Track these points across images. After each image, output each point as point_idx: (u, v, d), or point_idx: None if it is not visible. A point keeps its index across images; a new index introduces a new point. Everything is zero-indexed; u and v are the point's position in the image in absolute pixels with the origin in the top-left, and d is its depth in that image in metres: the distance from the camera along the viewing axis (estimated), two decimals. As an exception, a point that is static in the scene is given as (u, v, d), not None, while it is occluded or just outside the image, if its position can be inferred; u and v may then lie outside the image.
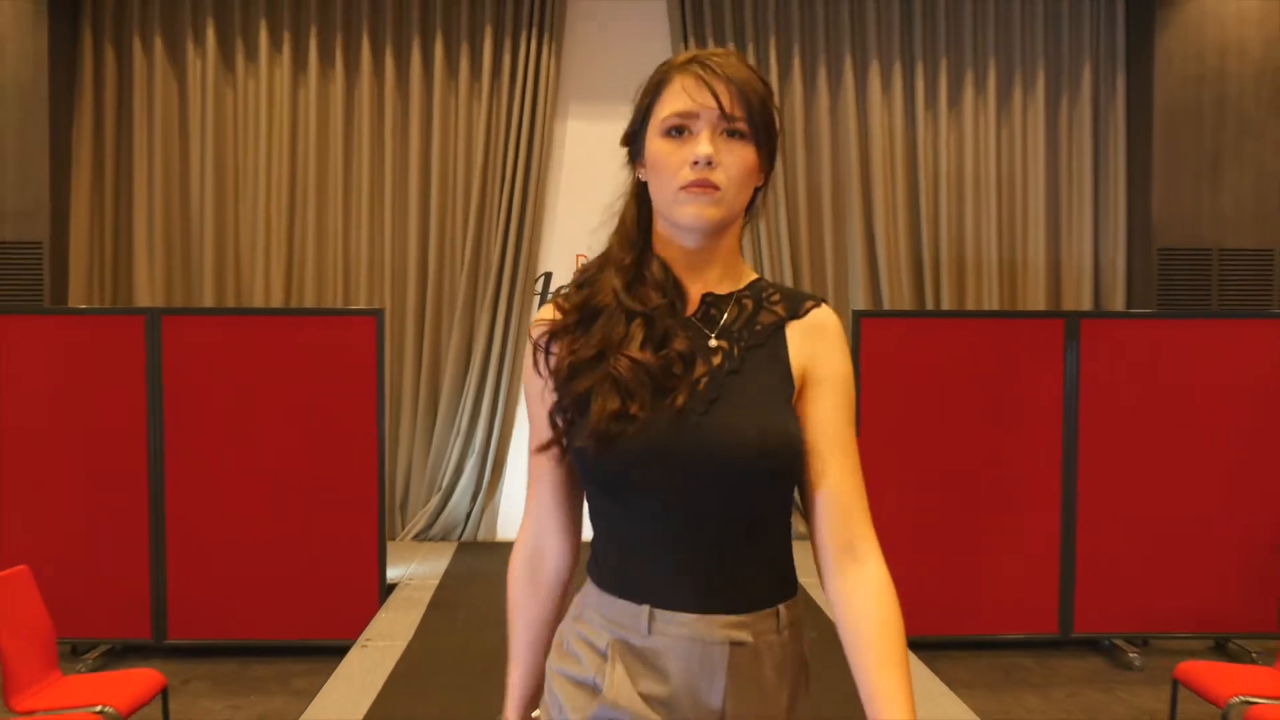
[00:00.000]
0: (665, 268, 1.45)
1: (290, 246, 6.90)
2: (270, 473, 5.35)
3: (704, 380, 1.39)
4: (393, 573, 5.91)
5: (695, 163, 1.37)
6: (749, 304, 1.46)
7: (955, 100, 7.03)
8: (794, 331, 1.45)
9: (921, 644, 4.92)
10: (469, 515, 6.85)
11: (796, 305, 1.47)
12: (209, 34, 6.81)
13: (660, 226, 1.46)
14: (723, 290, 1.47)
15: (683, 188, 1.38)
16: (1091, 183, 7.02)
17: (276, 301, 6.80)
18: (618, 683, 1.39)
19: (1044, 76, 7.00)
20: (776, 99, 1.48)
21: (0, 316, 5.42)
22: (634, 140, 1.47)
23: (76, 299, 6.69)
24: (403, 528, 6.89)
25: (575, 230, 6.80)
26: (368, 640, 4.72)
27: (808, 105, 7.00)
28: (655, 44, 6.85)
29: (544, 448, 1.46)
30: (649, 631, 1.39)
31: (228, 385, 5.34)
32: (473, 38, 6.89)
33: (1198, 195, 6.68)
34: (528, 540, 1.56)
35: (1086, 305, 6.98)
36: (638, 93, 1.45)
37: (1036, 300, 6.95)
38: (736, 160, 1.39)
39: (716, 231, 1.43)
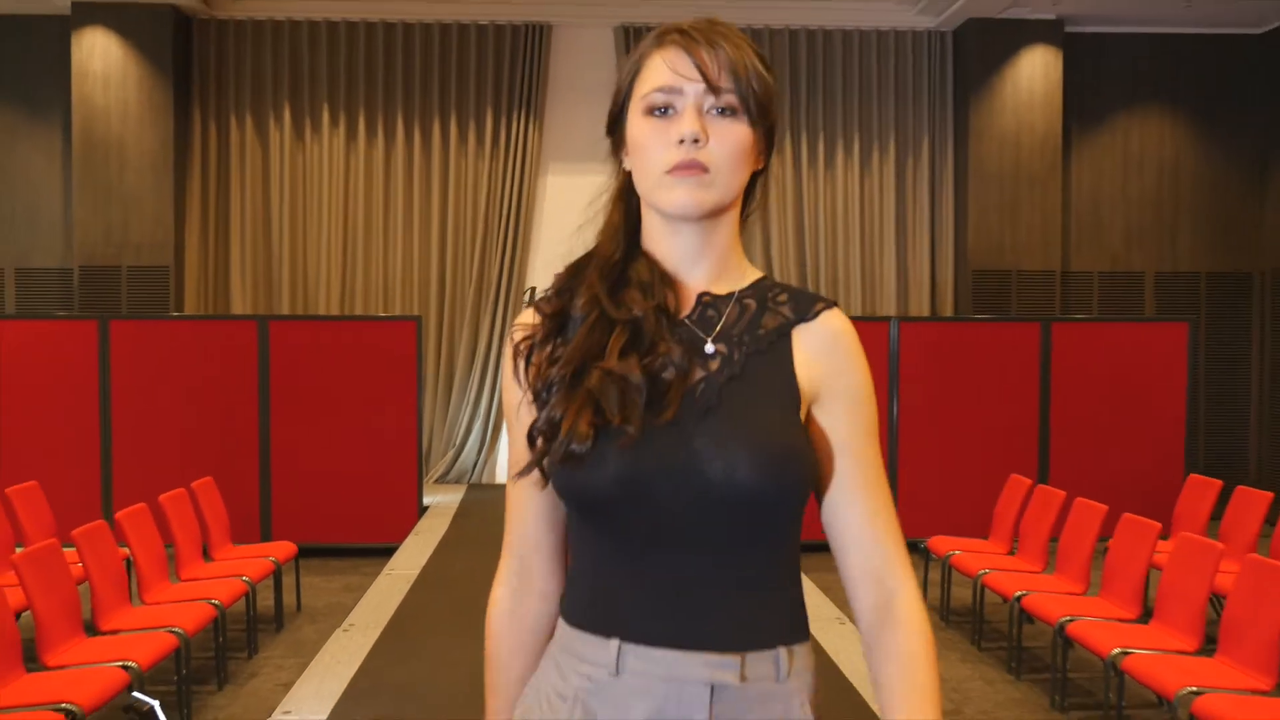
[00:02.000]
0: (654, 266, 1.27)
1: (344, 269, 9.41)
2: (343, 432, 7.86)
3: (699, 389, 1.21)
4: (425, 501, 8.44)
5: (681, 141, 1.20)
6: (751, 305, 1.28)
7: (830, 162, 9.60)
8: (802, 337, 1.27)
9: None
10: (476, 463, 9.38)
11: (806, 307, 1.28)
12: (286, 113, 9.33)
13: (649, 220, 1.29)
14: (721, 290, 1.29)
15: (668, 171, 1.21)
16: (929, 221, 9.61)
17: (335, 309, 9.32)
18: None
19: (894, 145, 9.59)
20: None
21: (142, 322, 7.93)
22: (616, 124, 1.30)
23: (190, 309, 9.19)
24: (427, 473, 9.41)
25: (556, 256, 9.35)
26: (417, 533, 7.24)
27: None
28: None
29: (524, 471, 1.25)
30: (618, 670, 1.20)
31: (312, 368, 7.84)
32: (478, 115, 9.42)
33: (1000, 230, 9.27)
34: (510, 584, 1.35)
35: (926, 311, 9.56)
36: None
37: (889, 308, 9.52)
38: (728, 138, 1.21)
39: (711, 221, 1.25)
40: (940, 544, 6.36)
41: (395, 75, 9.37)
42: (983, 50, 9.27)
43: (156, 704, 3.04)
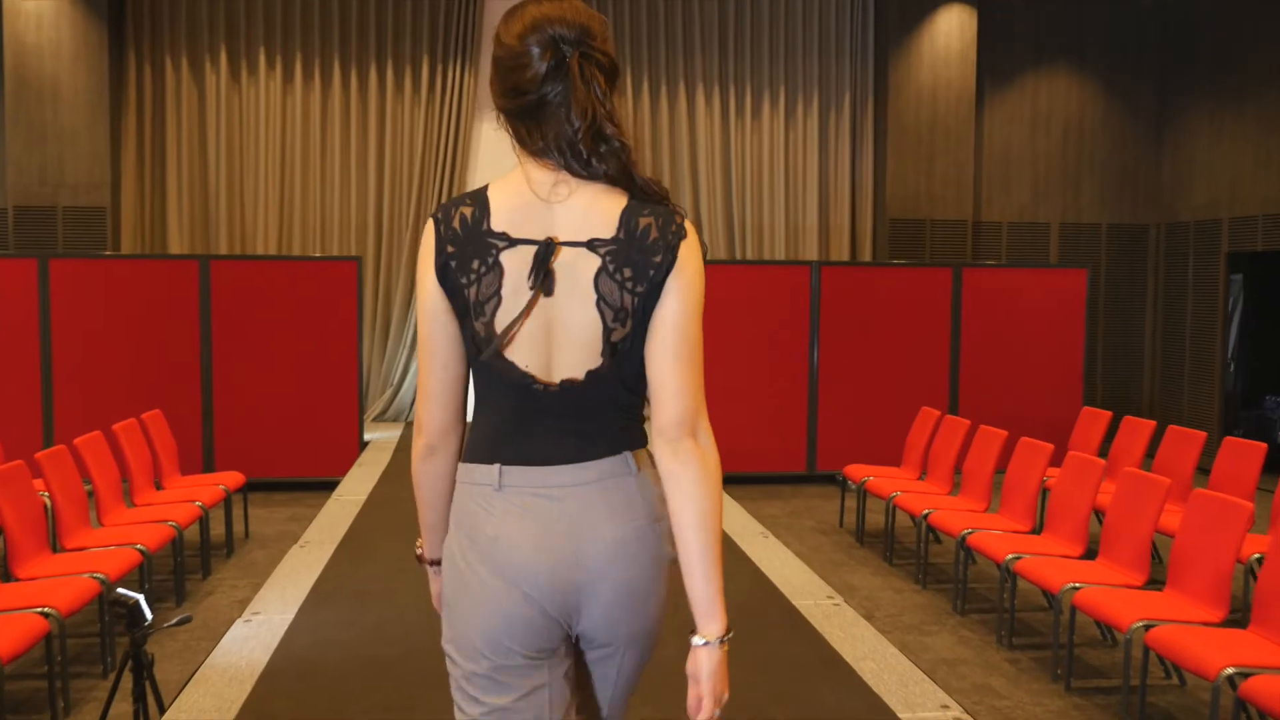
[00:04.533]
0: None
1: (282, 211, 9.55)
2: (285, 368, 8.07)
3: None
4: (366, 437, 8.70)
5: None
6: None
7: (756, 114, 9.96)
8: None
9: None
10: (412, 403, 9.66)
11: None
12: (221, 56, 9.39)
13: None
14: None
15: None
16: (850, 173, 10.05)
17: (272, 250, 9.46)
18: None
19: (818, 99, 9.99)
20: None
21: (82, 260, 8.02)
22: None
23: (127, 249, 9.26)
24: (365, 412, 9.65)
25: (488, 201, 9.60)
26: (360, 464, 7.51)
27: (653, 115, 9.84)
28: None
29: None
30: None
31: (253, 308, 8.02)
32: (414, 62, 9.58)
33: (917, 182, 9.74)
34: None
35: (846, 258, 10.01)
36: None
37: (811, 254, 9.96)
38: None
39: None
40: (855, 471, 6.83)
41: (332, 20, 9.48)
42: (902, 8, 9.68)
43: (141, 598, 3.28)
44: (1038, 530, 5.28)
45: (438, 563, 1.78)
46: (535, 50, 1.58)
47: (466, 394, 1.69)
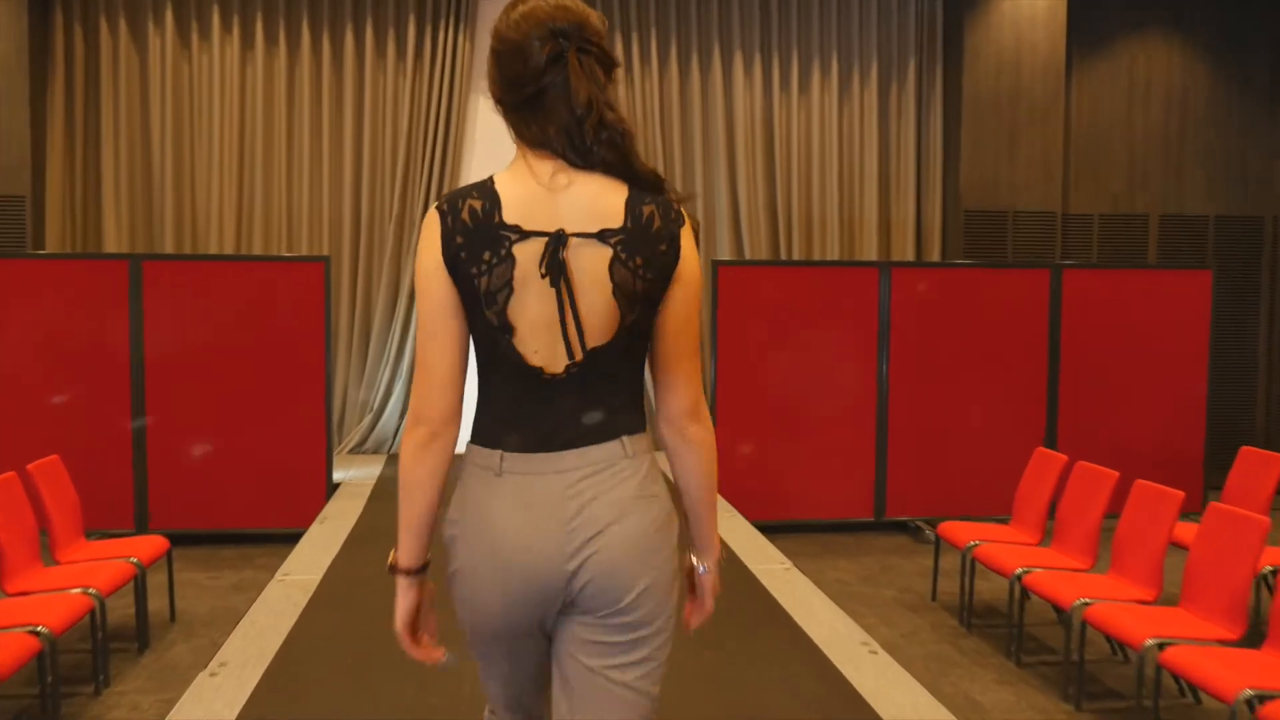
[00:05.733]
0: None
1: (240, 200, 8.01)
2: (236, 393, 6.54)
3: None
4: (336, 476, 7.17)
5: None
6: None
7: (805, 87, 8.41)
8: None
9: (764, 527, 6.16)
10: (397, 430, 8.12)
11: None
12: (167, 16, 7.85)
13: None
14: None
15: None
16: (915, 155, 8.49)
17: (230, 249, 7.93)
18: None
19: (877, 68, 8.43)
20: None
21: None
22: None
23: (53, 246, 7.73)
24: (339, 443, 8.13)
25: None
26: (323, 519, 5.99)
27: (682, 88, 8.31)
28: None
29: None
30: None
31: (197, 319, 6.50)
32: (398, 24, 8.04)
33: (997, 166, 8.19)
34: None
35: (910, 256, 8.47)
36: None
37: (870, 251, 8.41)
38: None
39: None
40: (955, 532, 5.29)
41: (299, -26, 7.95)
42: (978, -41, 8.14)
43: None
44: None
45: (417, 571, 1.75)
46: (535, 43, 1.64)
47: (465, 382, 1.70)
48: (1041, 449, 5.60)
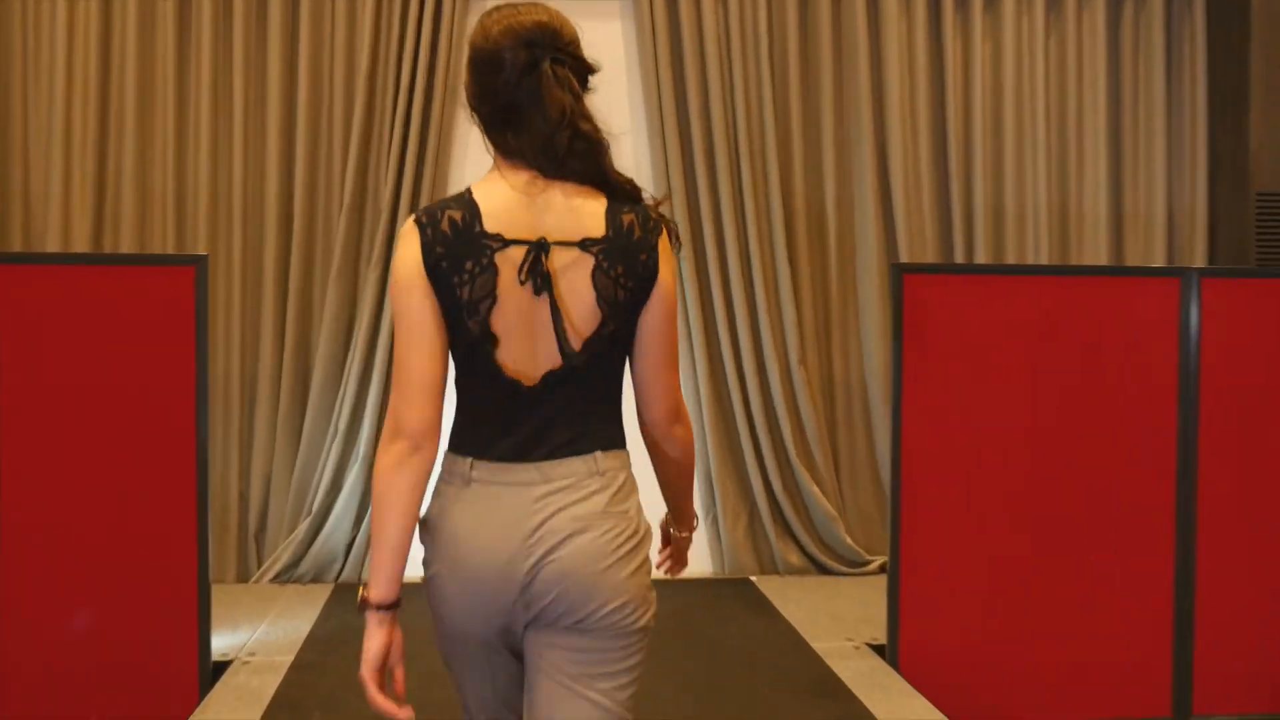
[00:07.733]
0: None
1: (101, 183, 5.05)
2: (25, 496, 3.55)
3: None
4: (230, 640, 4.13)
5: None
6: None
7: (991, 6, 5.44)
8: None
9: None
10: (350, 546, 5.05)
11: None
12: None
13: None
14: None
15: None
16: (1164, 109, 5.49)
17: (84, 244, 4.97)
18: None
19: (1103, -29, 5.46)
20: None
21: None
22: None
23: None
24: (259, 565, 5.09)
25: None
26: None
27: (802, 15, 5.36)
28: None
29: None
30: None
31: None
32: (357, -97, 5.11)
33: (1305, 124, 5.21)
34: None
35: (1159, 261, 5.46)
36: None
37: (1097, 254, 5.41)
38: None
39: None
40: None
41: None
42: None
43: None
44: None
45: (389, 607, 1.61)
46: (508, 53, 1.62)
47: (445, 394, 1.64)
48: None
